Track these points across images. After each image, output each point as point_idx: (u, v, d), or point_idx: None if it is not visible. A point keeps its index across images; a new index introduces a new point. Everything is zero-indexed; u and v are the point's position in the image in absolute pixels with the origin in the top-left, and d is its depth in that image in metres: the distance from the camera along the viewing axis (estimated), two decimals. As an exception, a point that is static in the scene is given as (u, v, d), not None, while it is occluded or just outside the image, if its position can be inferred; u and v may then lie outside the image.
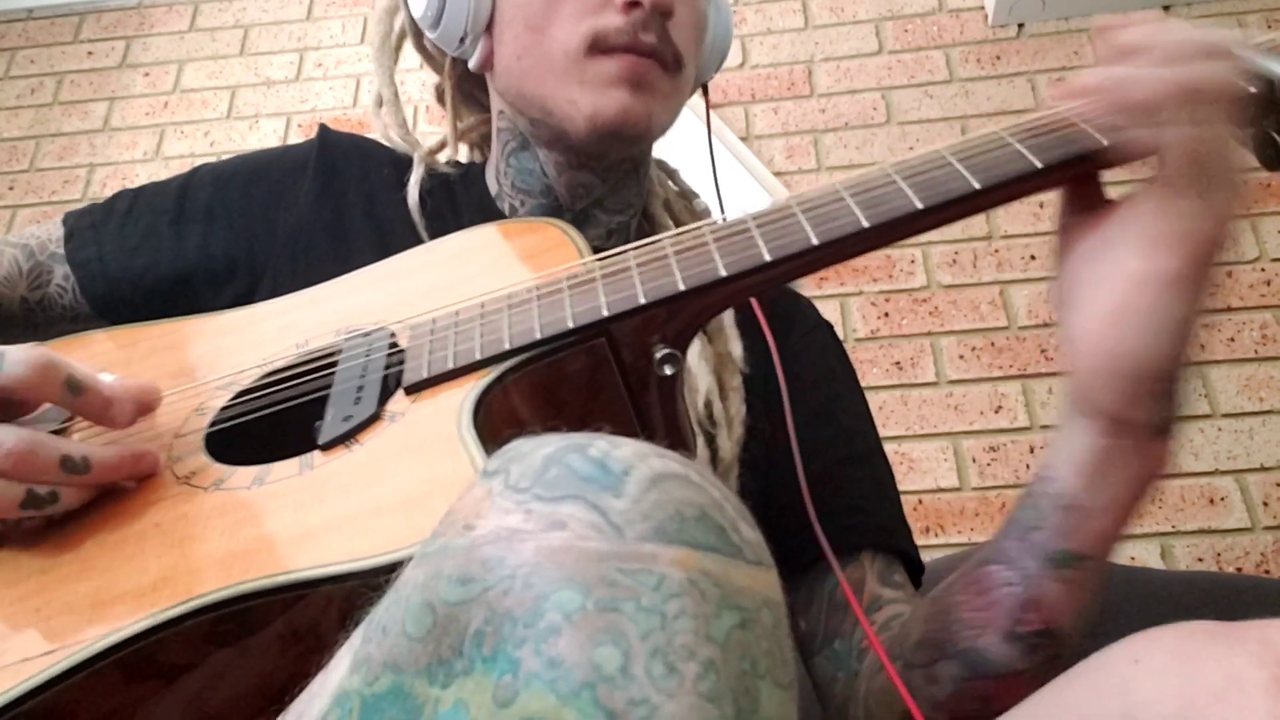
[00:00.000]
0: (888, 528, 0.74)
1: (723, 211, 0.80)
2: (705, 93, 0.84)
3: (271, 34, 2.38)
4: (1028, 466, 1.66)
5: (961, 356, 1.77)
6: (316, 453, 0.50)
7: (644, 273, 0.52)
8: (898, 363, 1.76)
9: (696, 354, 0.73)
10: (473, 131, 0.87)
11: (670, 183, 0.87)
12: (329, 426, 0.50)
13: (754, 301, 0.72)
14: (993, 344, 1.77)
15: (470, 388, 0.49)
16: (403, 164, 0.81)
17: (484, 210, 0.80)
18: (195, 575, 0.43)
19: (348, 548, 0.42)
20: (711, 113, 0.87)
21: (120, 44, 2.41)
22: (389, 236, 0.76)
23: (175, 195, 0.80)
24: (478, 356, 0.51)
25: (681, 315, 0.52)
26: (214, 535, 0.46)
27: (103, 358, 0.65)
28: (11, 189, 2.21)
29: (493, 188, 0.81)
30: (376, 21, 0.83)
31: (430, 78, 0.87)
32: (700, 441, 0.69)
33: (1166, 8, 2.08)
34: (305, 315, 0.63)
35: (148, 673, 0.41)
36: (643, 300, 0.50)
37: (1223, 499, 1.60)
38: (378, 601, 0.33)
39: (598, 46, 0.68)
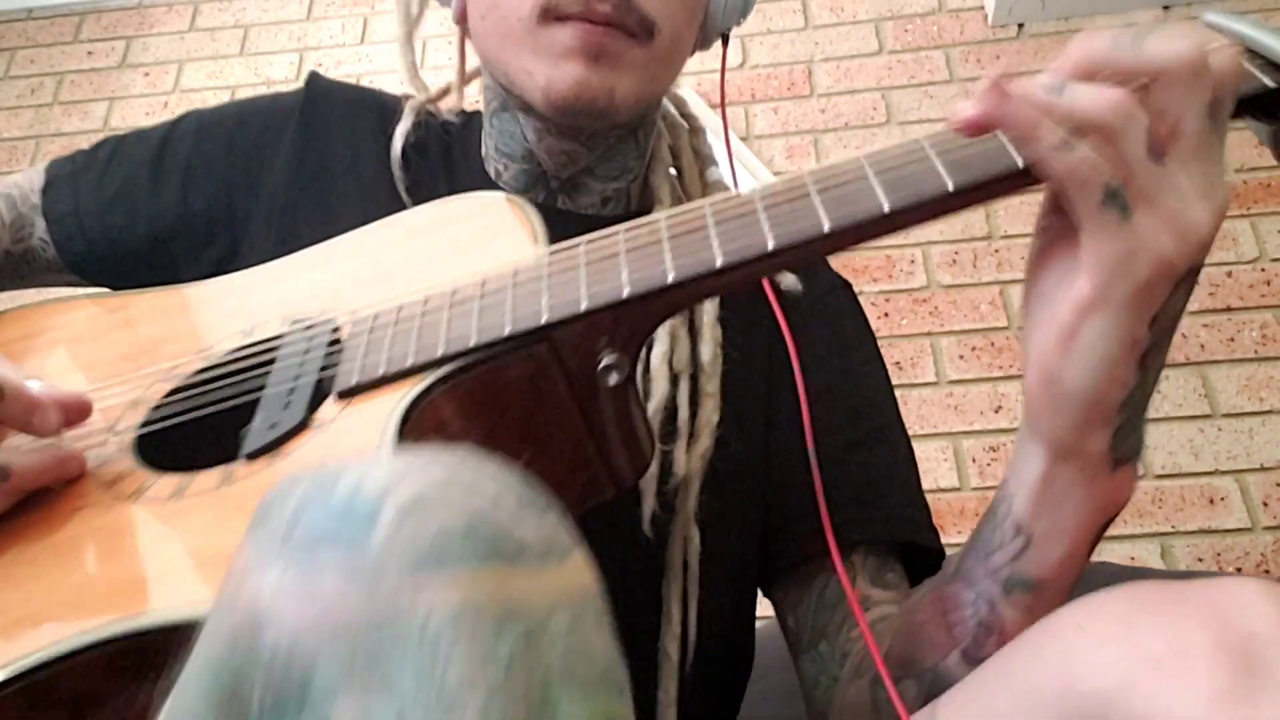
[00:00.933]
0: (886, 519, 0.70)
1: (734, 181, 0.75)
2: (725, 43, 0.76)
3: (271, 34, 2.38)
4: (1028, 466, 1.65)
5: (961, 356, 1.77)
6: (240, 463, 0.48)
7: (591, 273, 0.49)
8: (898, 363, 1.76)
9: (661, 356, 0.67)
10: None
11: (690, 142, 0.80)
12: (254, 435, 0.49)
13: (768, 287, 0.68)
14: (993, 344, 1.77)
15: (400, 396, 0.47)
16: (392, 114, 0.76)
17: (472, 172, 0.75)
18: (100, 601, 0.43)
19: None
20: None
21: (120, 44, 2.40)
22: (371, 196, 0.72)
23: (156, 146, 0.76)
24: (410, 362, 0.48)
25: (628, 320, 0.48)
26: (124, 555, 0.45)
27: (61, 332, 0.64)
28: (11, 189, 2.21)
29: (483, 147, 0.76)
30: None
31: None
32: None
33: (1166, 8, 2.08)
34: (259, 296, 0.61)
35: (50, 702, 0.41)
36: (585, 306, 0.47)
37: (1223, 499, 1.60)
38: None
39: (550, 14, 0.63)
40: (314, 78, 0.79)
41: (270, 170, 0.74)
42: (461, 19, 0.72)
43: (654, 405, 0.66)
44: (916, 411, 1.71)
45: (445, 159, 0.75)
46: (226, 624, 0.30)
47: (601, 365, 0.48)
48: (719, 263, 0.46)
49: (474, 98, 0.81)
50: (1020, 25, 2.11)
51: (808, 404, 0.66)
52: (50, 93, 2.34)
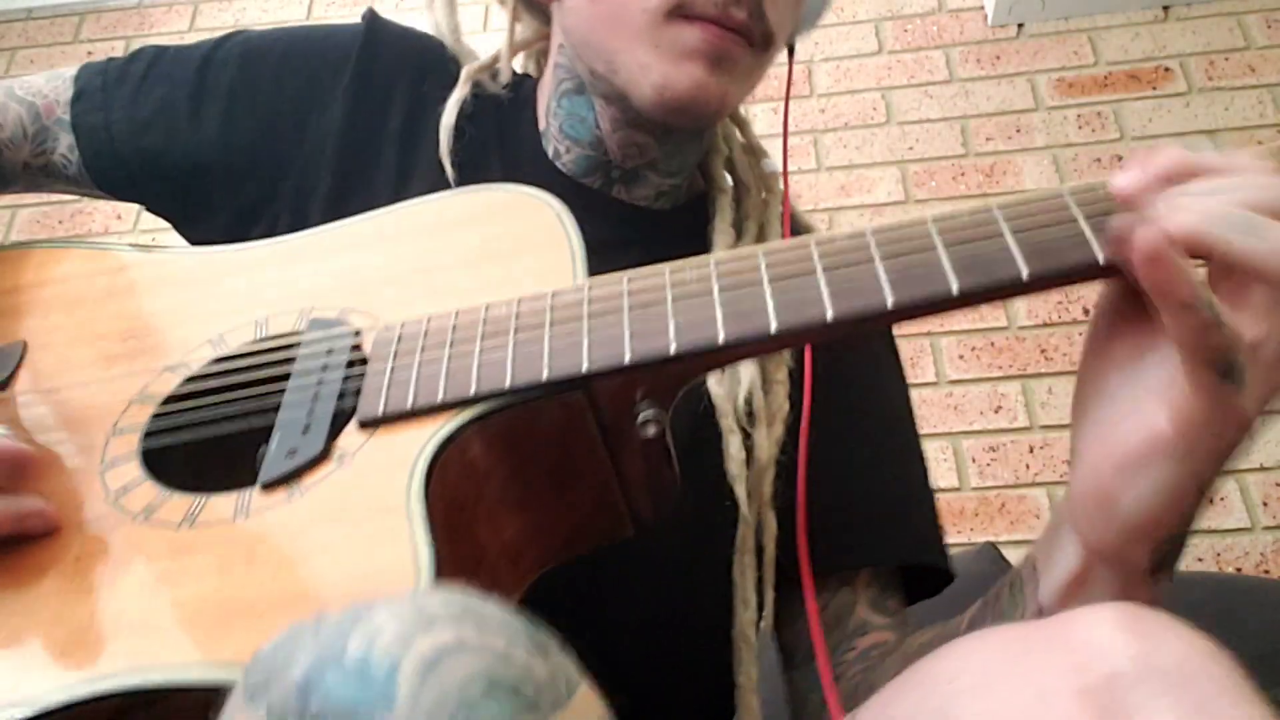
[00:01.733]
0: (895, 543, 0.69)
1: (785, 176, 0.73)
2: (790, 53, 0.76)
3: (271, 34, 2.38)
4: (1027, 466, 1.66)
5: (961, 356, 1.77)
6: (255, 492, 0.46)
7: (635, 320, 0.47)
8: (897, 363, 1.76)
9: None
10: (532, 45, 0.79)
11: (739, 134, 0.78)
12: (271, 461, 0.47)
13: None
14: (993, 344, 1.77)
15: (427, 437, 0.45)
16: (455, 73, 0.73)
17: (527, 147, 0.73)
18: (104, 644, 0.41)
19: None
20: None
21: (120, 44, 2.40)
22: (427, 160, 0.69)
23: (198, 67, 0.72)
24: (439, 399, 0.46)
25: (669, 374, 0.47)
26: (131, 589, 0.44)
27: (63, 288, 0.61)
28: (11, 189, 2.21)
29: (541, 122, 0.73)
30: None
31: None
32: (737, 440, 0.64)
33: (1166, 8, 2.07)
34: (276, 278, 0.58)
35: None
36: (628, 359, 0.45)
37: (1222, 499, 1.60)
38: None
39: (682, 10, 0.61)
40: (373, 16, 0.75)
41: (322, 115, 0.71)
42: None
43: (744, 391, 0.65)
44: (916, 412, 1.71)
45: (498, 132, 0.73)
46: None
47: (639, 418, 0.47)
48: (773, 329, 0.45)
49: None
50: (1020, 25, 2.11)
51: (835, 421, 0.65)
52: (50, 93, 2.34)
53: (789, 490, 0.66)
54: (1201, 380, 0.41)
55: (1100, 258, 0.42)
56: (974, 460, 1.67)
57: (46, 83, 0.72)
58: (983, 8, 2.14)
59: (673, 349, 0.45)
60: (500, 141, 0.73)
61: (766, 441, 0.65)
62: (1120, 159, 1.92)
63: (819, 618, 0.67)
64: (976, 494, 1.64)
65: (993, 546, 1.17)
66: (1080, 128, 1.97)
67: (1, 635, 0.43)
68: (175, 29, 2.41)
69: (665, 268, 0.49)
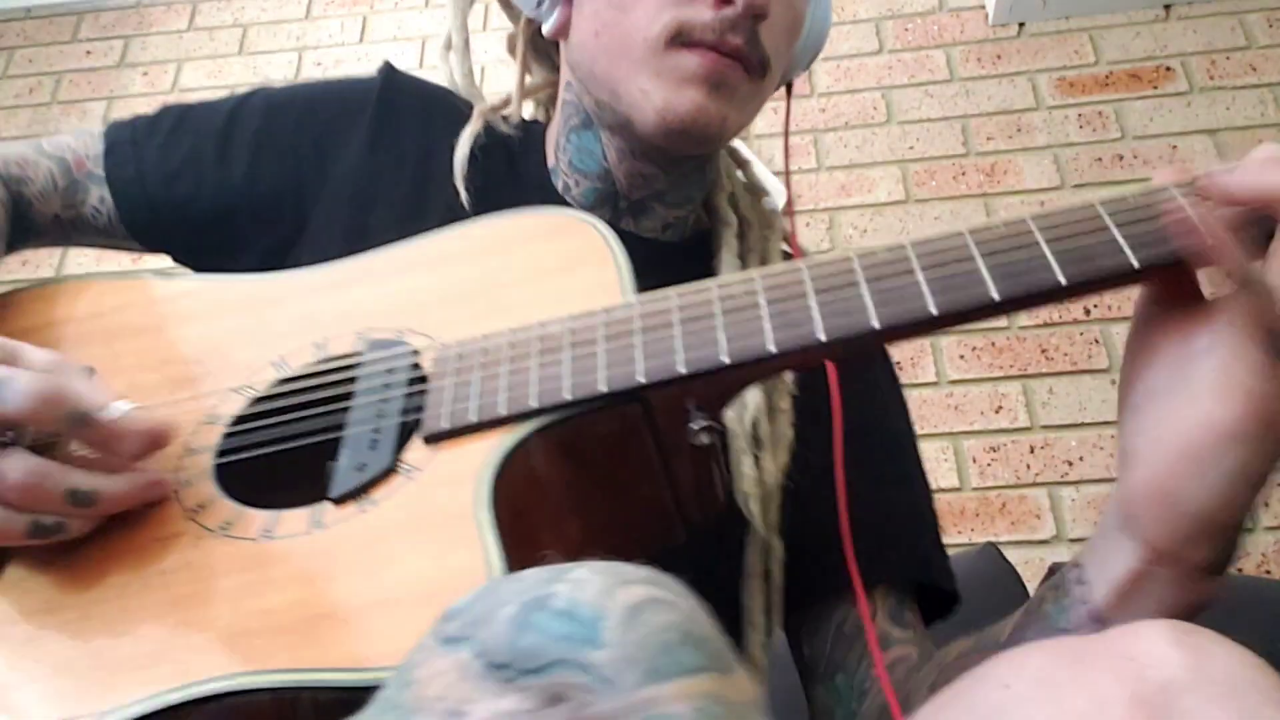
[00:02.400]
0: (907, 559, 0.71)
1: (791, 209, 0.76)
2: (789, 90, 0.79)
3: (270, 33, 2.37)
4: (1028, 466, 1.65)
5: (961, 356, 1.76)
6: (328, 505, 0.48)
7: (687, 334, 0.49)
8: (898, 363, 1.75)
9: None
10: (540, 91, 0.83)
11: (740, 174, 0.81)
12: (342, 475, 0.49)
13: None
14: (993, 344, 1.77)
15: (491, 450, 0.47)
16: (463, 116, 0.76)
17: (537, 182, 0.75)
18: (194, 653, 0.43)
19: (347, 652, 0.41)
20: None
21: (119, 43, 2.40)
22: (442, 195, 0.72)
23: (224, 119, 0.76)
24: (501, 412, 0.48)
25: (721, 384, 0.49)
26: (216, 600, 0.45)
27: (127, 316, 0.62)
28: (10, 188, 2.21)
29: (550, 159, 0.76)
30: None
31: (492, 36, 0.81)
32: (749, 460, 0.66)
33: (1167, 7, 2.07)
34: (330, 301, 0.60)
35: None
36: (683, 370, 0.47)
37: (1223, 499, 1.60)
38: None
39: (680, 39, 0.63)
40: (389, 68, 0.80)
41: (342, 156, 0.75)
42: (559, 33, 0.72)
43: (749, 416, 0.67)
44: (917, 412, 1.70)
45: (509, 167, 0.76)
46: None
47: (692, 426, 0.48)
48: (821, 337, 0.46)
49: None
50: (1021, 24, 2.10)
51: (839, 440, 0.66)
52: (49, 92, 2.34)
53: (795, 515, 0.68)
54: (1261, 353, 0.42)
55: (1135, 263, 0.44)
56: (974, 460, 1.67)
57: (75, 139, 0.75)
58: (983, 7, 2.14)
59: (725, 359, 0.47)
60: (510, 176, 0.75)
61: (772, 467, 0.66)
62: (1121, 158, 1.92)
63: (837, 631, 0.68)
64: (977, 494, 1.64)
65: (993, 547, 1.17)
66: (1081, 127, 1.96)
67: (94, 645, 0.45)
68: (175, 28, 2.41)
69: (712, 282, 0.51)
